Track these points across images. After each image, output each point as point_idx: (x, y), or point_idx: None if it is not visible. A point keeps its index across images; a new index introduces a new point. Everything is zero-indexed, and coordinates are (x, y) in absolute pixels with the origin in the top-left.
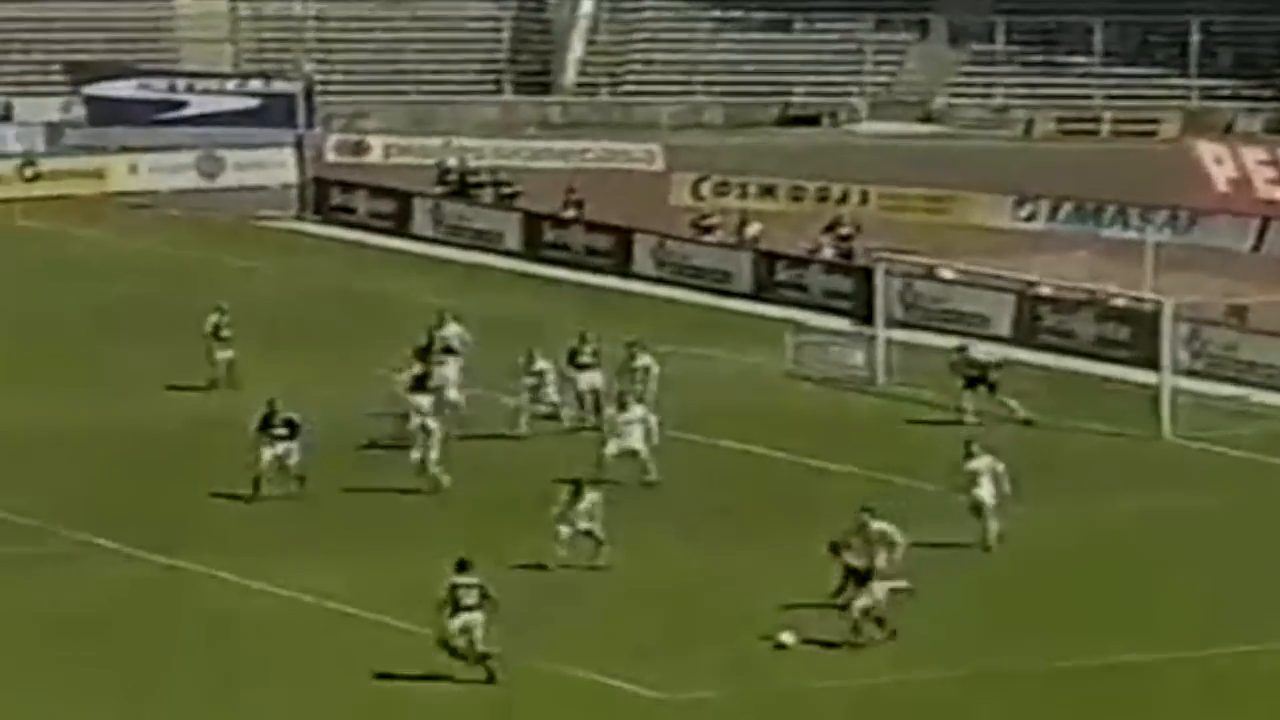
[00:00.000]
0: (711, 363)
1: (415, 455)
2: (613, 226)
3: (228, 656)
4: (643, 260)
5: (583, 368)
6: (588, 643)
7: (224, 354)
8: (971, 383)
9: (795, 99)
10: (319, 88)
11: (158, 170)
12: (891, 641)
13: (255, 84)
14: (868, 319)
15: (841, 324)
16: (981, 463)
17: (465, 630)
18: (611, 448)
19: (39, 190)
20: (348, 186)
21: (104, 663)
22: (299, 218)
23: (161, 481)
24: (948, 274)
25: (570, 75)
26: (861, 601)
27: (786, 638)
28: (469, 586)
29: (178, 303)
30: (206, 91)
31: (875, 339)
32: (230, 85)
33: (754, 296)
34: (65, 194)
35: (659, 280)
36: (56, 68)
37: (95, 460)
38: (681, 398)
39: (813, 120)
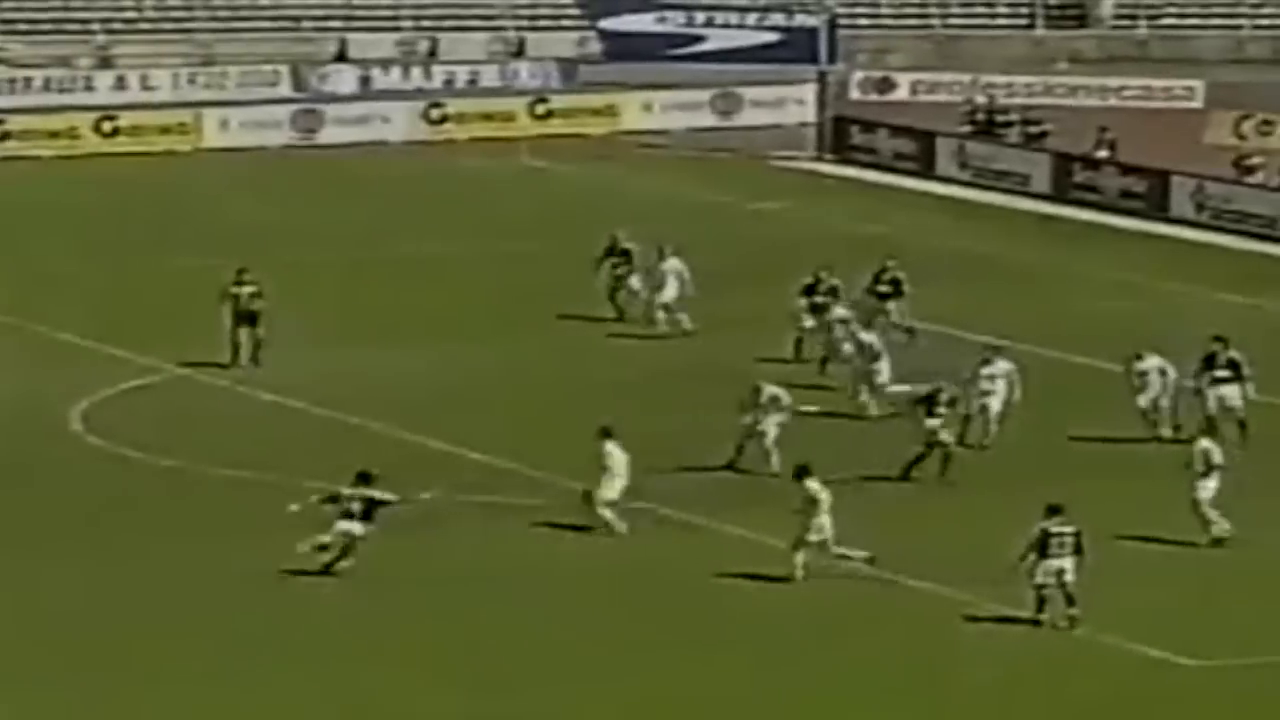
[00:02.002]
0: (1254, 312)
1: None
2: (1148, 168)
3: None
4: (1180, 203)
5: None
6: (1115, 609)
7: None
8: None
9: None
10: (843, 21)
11: (672, 108)
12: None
13: (776, 17)
14: None
15: None
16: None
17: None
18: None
19: (550, 128)
20: (868, 126)
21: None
22: (817, 158)
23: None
24: None
25: (1107, 7)
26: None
27: None
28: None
29: (700, 248)
30: (725, 25)
31: None
32: (750, 19)
33: None
34: (577, 132)
35: (1197, 224)
36: (571, 0)
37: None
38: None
39: None
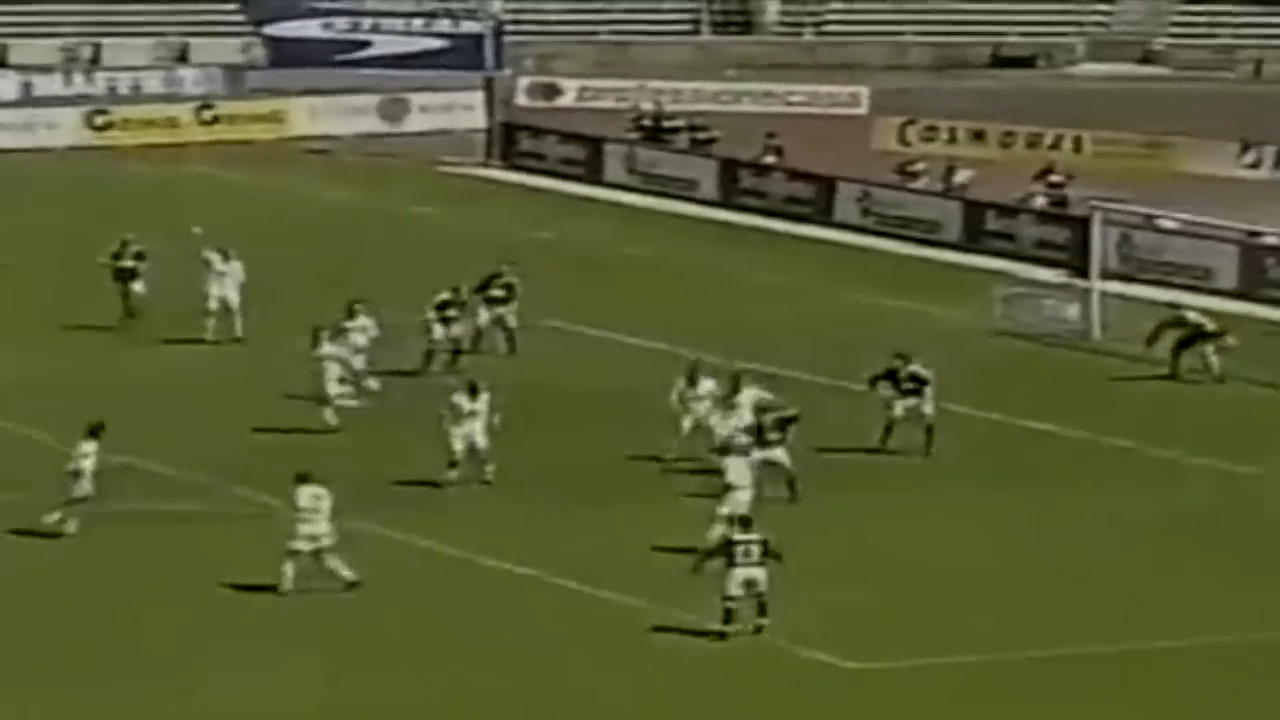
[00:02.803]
0: (916, 316)
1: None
2: (814, 174)
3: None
4: (845, 209)
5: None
6: (781, 612)
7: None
8: (1184, 344)
9: (1008, 39)
10: (509, 28)
11: (339, 114)
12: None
13: (442, 24)
14: (1082, 271)
15: (1053, 276)
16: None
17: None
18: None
19: (216, 134)
20: (536, 132)
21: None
22: (485, 164)
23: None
24: (1168, 224)
25: (771, 14)
26: None
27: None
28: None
29: (354, 253)
30: (391, 32)
31: (1090, 292)
32: (416, 25)
33: (962, 247)
34: (243, 138)
35: (862, 230)
36: (235, 6)
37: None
38: (885, 353)
39: (1026, 62)
